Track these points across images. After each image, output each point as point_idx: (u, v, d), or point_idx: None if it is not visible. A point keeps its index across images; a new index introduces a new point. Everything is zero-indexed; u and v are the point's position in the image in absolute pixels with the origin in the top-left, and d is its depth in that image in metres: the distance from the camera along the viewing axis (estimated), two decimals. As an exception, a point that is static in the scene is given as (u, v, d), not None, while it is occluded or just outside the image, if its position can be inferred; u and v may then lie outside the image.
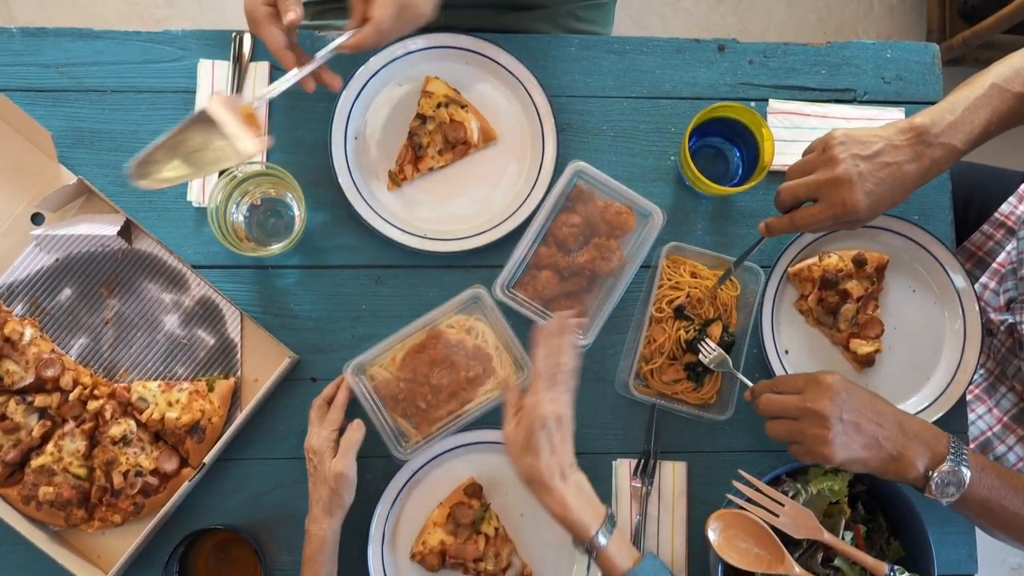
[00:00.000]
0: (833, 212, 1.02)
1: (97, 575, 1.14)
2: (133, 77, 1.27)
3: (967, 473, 1.03)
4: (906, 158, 1.02)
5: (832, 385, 1.04)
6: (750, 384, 1.15)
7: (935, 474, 1.03)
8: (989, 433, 1.37)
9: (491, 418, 1.20)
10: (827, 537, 1.07)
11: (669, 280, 1.23)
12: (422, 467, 1.19)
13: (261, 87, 1.27)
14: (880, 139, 1.03)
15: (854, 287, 1.23)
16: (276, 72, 1.28)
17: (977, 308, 1.24)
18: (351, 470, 1.10)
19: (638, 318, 1.23)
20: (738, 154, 1.28)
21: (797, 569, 1.06)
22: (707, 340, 1.19)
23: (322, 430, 1.11)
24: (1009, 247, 1.40)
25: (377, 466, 1.19)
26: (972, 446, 1.35)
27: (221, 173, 1.18)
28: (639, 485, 1.21)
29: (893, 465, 1.05)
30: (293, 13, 1.03)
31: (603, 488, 1.21)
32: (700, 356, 1.19)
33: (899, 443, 1.04)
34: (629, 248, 1.22)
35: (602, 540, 0.97)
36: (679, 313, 1.21)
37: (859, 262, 1.23)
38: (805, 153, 1.08)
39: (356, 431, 1.12)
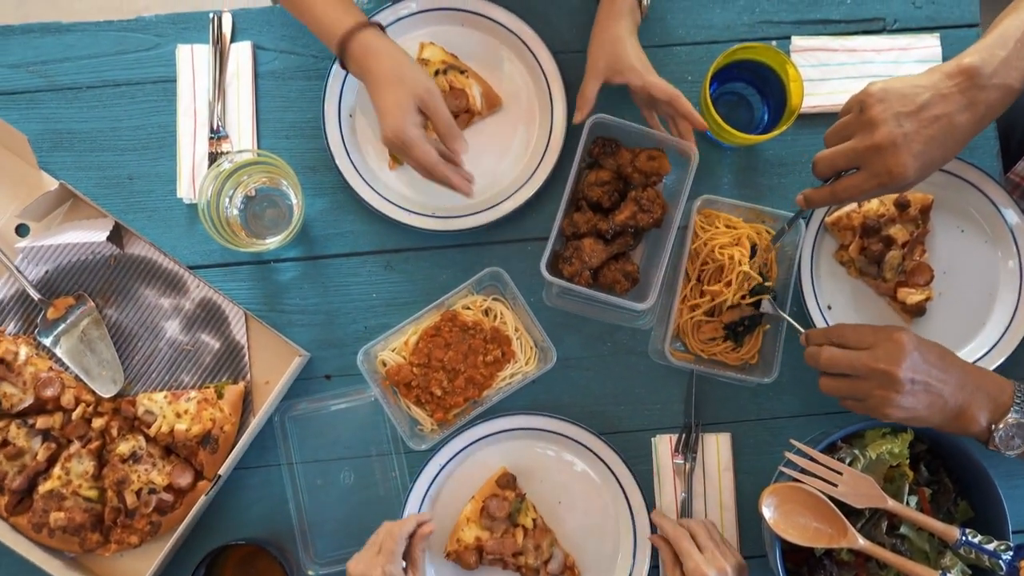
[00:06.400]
0: (879, 182, 0.89)
1: (119, 599, 1.09)
2: (108, 70, 1.20)
3: None
4: (957, 108, 0.88)
5: (905, 344, 0.95)
6: (801, 329, 1.06)
7: (999, 427, 0.96)
8: (1051, 376, 1.28)
9: (514, 403, 1.13)
10: (891, 504, 0.99)
11: (704, 233, 1.14)
12: (450, 461, 1.12)
13: (246, 68, 1.19)
14: (924, 89, 0.89)
15: (898, 232, 1.14)
16: (259, 52, 1.20)
17: (1033, 244, 1.14)
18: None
19: (669, 280, 1.14)
20: (762, 99, 1.18)
21: (861, 541, 0.98)
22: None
23: (378, 557, 0.97)
24: (1057, 174, 1.29)
25: (402, 463, 1.13)
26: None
27: (210, 164, 1.10)
28: (681, 461, 1.14)
29: (956, 421, 0.97)
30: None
31: (643, 467, 1.14)
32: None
33: (961, 398, 0.97)
34: (669, 194, 1.14)
35: None
36: (753, 252, 1.13)
37: (902, 205, 1.14)
38: (841, 114, 0.94)
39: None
